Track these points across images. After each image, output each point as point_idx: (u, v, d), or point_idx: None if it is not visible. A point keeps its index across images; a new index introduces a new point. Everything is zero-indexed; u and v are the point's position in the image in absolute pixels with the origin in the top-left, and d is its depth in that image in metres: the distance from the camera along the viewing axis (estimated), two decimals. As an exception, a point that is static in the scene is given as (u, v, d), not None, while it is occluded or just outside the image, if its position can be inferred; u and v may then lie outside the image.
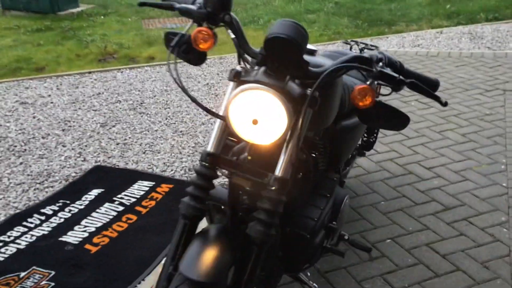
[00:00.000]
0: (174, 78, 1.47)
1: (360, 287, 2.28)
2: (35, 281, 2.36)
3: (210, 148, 1.53)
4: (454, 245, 2.54)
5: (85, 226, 2.78)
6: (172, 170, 3.42)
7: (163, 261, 2.38)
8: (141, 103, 4.57)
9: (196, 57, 1.64)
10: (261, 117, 1.40)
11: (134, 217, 2.87)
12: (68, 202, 3.03)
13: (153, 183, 3.23)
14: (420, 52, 5.72)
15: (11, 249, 2.60)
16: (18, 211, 2.97)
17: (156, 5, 1.72)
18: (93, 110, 4.45)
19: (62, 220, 2.85)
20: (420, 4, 8.19)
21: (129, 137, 3.91)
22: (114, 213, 2.90)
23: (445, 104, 1.48)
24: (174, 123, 4.14)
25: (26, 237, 2.70)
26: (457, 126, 3.86)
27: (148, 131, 4.01)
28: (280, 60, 1.40)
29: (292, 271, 1.99)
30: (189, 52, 1.61)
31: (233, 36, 1.58)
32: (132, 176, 3.31)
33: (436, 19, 7.28)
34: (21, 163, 3.54)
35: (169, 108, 4.46)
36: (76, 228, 2.77)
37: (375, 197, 2.97)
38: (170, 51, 1.57)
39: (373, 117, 1.52)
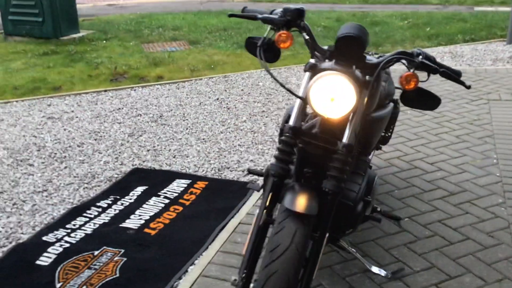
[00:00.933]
0: (265, 67, 1.90)
1: (388, 254, 2.71)
2: (108, 257, 2.72)
3: (292, 122, 1.96)
4: (462, 221, 3.00)
5: (140, 215, 3.16)
6: (203, 171, 3.82)
7: (221, 236, 2.78)
8: (160, 116, 4.97)
9: (272, 56, 2.08)
10: (336, 96, 1.84)
11: (180, 208, 3.25)
12: (118, 197, 3.40)
13: (190, 180, 3.62)
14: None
15: (79, 234, 2.96)
16: (74, 205, 3.33)
17: (243, 16, 2.16)
18: (117, 122, 4.83)
19: (117, 211, 3.22)
20: (402, 27, 8.84)
21: (157, 145, 4.30)
22: (162, 205, 3.29)
23: (469, 87, 1.95)
24: (195, 132, 4.55)
25: (90, 225, 3.06)
26: (451, 129, 4.36)
27: (173, 139, 4.41)
28: (348, 53, 1.86)
29: (338, 235, 2.41)
30: (267, 51, 2.05)
31: (307, 37, 2.02)
32: (170, 176, 3.69)
33: (418, 41, 7.91)
34: (65, 167, 3.89)
35: (187, 120, 4.87)
36: (132, 217, 3.14)
37: (389, 187, 3.42)
38: (258, 50, 2.00)
39: (414, 99, 1.98)
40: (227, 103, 5.33)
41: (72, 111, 5.17)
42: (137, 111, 5.15)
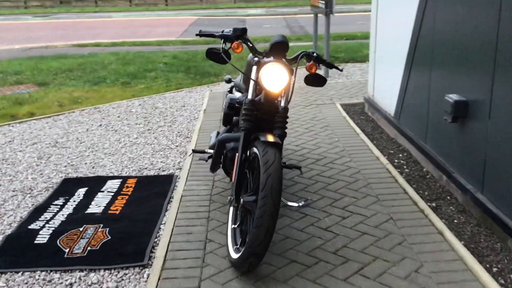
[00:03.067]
0: (230, 63, 3.01)
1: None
2: (93, 230, 3.47)
3: (250, 96, 3.08)
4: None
5: (97, 205, 3.91)
6: (126, 173, 4.64)
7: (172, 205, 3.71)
8: (56, 142, 5.57)
9: (224, 59, 3.19)
10: (278, 76, 3.02)
11: (126, 196, 4.07)
12: (67, 197, 4.07)
13: (121, 179, 4.43)
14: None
15: (57, 221, 3.62)
16: (34, 206, 3.92)
17: (208, 35, 3.22)
18: (18, 151, 5.33)
19: (75, 204, 3.92)
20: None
21: (70, 161, 4.97)
22: (110, 196, 4.07)
23: (341, 70, 3.31)
24: (99, 150, 5.30)
25: (60, 216, 3.72)
26: (301, 124, 5.82)
27: (82, 156, 5.11)
28: (279, 52, 3.06)
29: None
30: (221, 57, 3.16)
31: (250, 45, 3.18)
32: (101, 179, 4.45)
33: (247, 69, 9.51)
34: None
35: (84, 142, 5.56)
36: (90, 206, 3.88)
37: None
38: (222, 53, 3.10)
39: (312, 80, 3.27)
40: (112, 127, 6.13)
41: (-37, 147, 5.45)
42: (30, 141, 5.66)
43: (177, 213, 3.68)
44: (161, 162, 4.89)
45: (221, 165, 3.70)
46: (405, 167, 4.51)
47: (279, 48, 3.09)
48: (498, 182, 3.26)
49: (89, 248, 3.24)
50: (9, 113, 6.90)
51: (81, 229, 3.50)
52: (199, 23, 20.34)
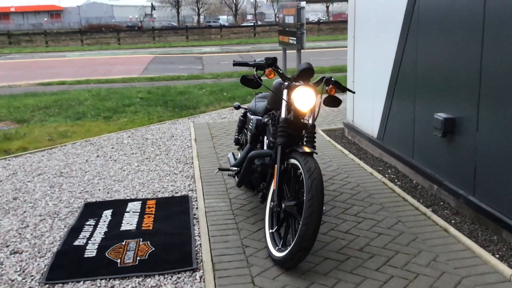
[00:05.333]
0: (266, 86, 3.47)
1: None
2: (135, 244, 3.78)
3: (283, 115, 3.54)
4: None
5: (128, 223, 4.22)
6: (142, 196, 4.96)
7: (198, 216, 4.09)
8: (61, 173, 5.81)
9: (258, 83, 3.66)
10: (307, 98, 3.49)
11: (151, 215, 4.39)
12: (96, 218, 4.35)
13: (141, 201, 4.75)
14: (232, 121, 8.21)
15: (97, 238, 3.90)
16: (68, 227, 4.17)
17: (243, 64, 3.68)
18: (27, 182, 5.52)
19: (107, 223, 4.21)
20: (203, 94, 10.90)
21: (83, 188, 5.23)
22: (137, 216, 4.38)
23: (354, 92, 3.84)
24: (106, 177, 5.58)
25: (97, 234, 4.00)
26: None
27: (93, 184, 5.37)
28: (306, 77, 3.56)
29: None
30: (253, 83, 3.64)
31: (281, 72, 3.65)
32: (122, 202, 4.75)
33: (222, 102, 10.01)
34: (23, 212, 4.59)
35: (89, 171, 5.83)
36: (122, 225, 4.18)
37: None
38: (256, 79, 3.57)
39: (330, 101, 3.78)
40: (110, 157, 6.41)
41: (-31, 180, 5.59)
42: (34, 172, 5.86)
43: (207, 226, 4.04)
44: (171, 185, 5.24)
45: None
46: (396, 180, 5.07)
47: (306, 73, 3.58)
48: (488, 185, 3.84)
49: (138, 258, 3.55)
50: (2, 149, 7.03)
51: (123, 243, 3.80)
52: (158, 61, 20.79)
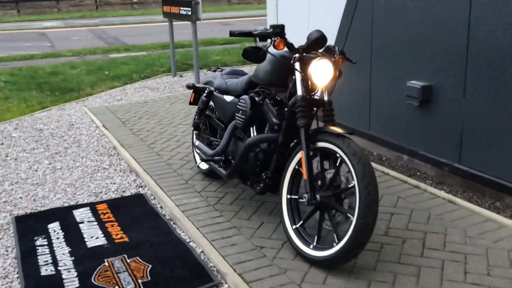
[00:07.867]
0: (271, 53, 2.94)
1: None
2: (122, 262, 3.02)
3: (300, 93, 3.01)
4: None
5: (92, 236, 3.40)
6: (83, 200, 4.08)
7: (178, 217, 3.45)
8: None
9: (264, 57, 3.08)
10: (325, 71, 3.01)
11: (114, 222, 3.60)
12: (44, 236, 3.44)
13: (88, 207, 3.89)
14: (133, 102, 7.32)
15: (67, 262, 3.05)
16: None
17: (244, 34, 3.04)
18: None
19: (64, 240, 3.34)
20: (80, 74, 9.64)
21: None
22: (97, 225, 3.56)
23: (355, 63, 3.46)
24: (20, 180, 4.54)
25: (61, 254, 3.14)
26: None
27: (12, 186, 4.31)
28: (318, 47, 3.07)
29: None
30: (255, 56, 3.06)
31: (290, 42, 3.09)
32: (64, 210, 3.85)
33: (108, 82, 8.94)
34: None
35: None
36: (86, 240, 3.35)
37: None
38: (266, 49, 2.98)
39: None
40: (7, 155, 5.28)
41: None
42: None
43: (197, 228, 3.41)
44: (111, 183, 4.41)
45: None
46: (356, 154, 4.85)
47: (318, 43, 3.09)
48: (478, 150, 3.77)
49: (140, 280, 2.83)
50: None
51: (106, 264, 3.01)
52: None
